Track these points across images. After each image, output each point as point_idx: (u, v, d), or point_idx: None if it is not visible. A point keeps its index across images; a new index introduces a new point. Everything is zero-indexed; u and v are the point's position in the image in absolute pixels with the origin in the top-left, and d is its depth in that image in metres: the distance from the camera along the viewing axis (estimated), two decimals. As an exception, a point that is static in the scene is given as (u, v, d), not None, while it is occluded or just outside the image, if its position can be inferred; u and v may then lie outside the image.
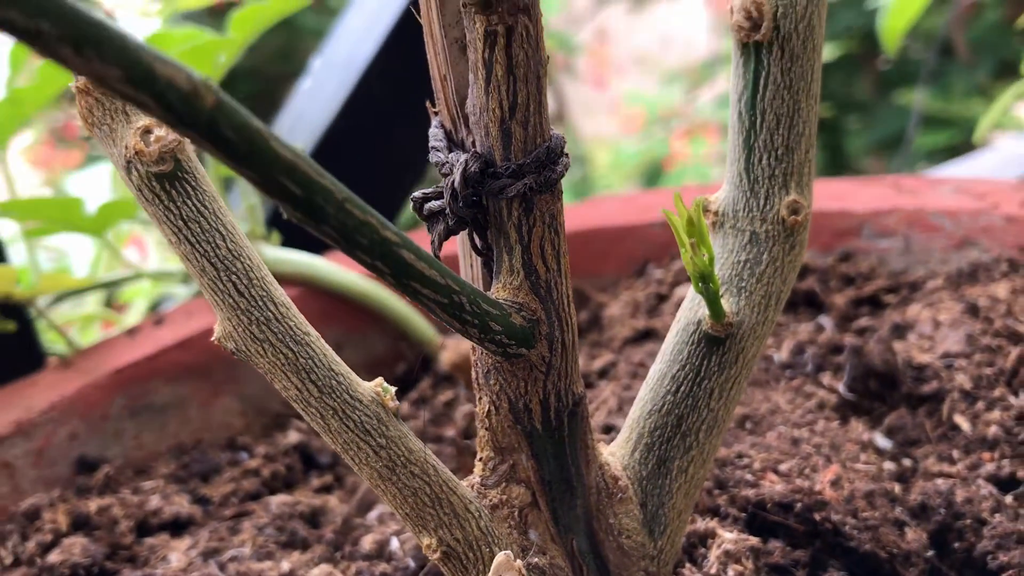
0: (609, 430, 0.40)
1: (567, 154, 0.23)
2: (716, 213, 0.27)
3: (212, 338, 0.25)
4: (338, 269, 0.52)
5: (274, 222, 0.55)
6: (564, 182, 0.24)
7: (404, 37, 0.56)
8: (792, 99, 0.26)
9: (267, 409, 0.50)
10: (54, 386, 0.45)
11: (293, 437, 0.48)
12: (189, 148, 0.24)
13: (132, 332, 0.49)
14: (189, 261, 0.24)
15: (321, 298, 0.52)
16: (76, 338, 0.61)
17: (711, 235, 0.27)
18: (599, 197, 0.54)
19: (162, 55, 0.14)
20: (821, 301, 0.50)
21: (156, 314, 0.50)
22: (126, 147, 0.23)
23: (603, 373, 0.47)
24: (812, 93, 0.26)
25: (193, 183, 0.24)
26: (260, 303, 0.24)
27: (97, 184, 0.85)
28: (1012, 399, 0.41)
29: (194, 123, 0.15)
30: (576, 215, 0.55)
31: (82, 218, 0.49)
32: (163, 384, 0.47)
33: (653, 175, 4.65)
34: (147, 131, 0.23)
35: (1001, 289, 0.47)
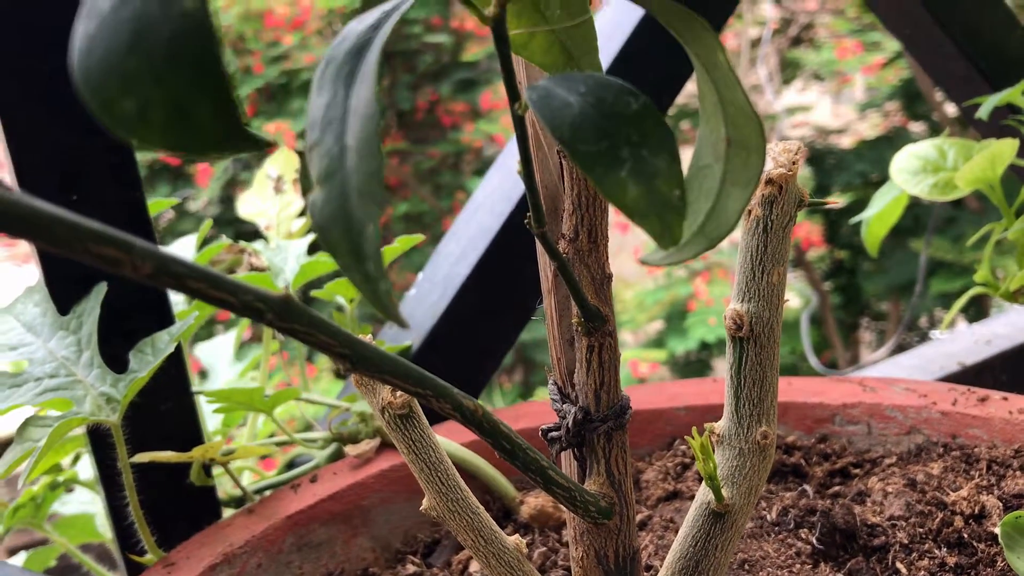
0: (649, 568, 0.57)
1: (631, 408, 0.41)
2: (718, 435, 0.44)
3: (421, 508, 0.42)
4: (441, 439, 0.69)
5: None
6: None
7: (491, 265, 0.75)
8: (761, 370, 0.43)
9: (391, 547, 0.67)
10: (245, 527, 0.62)
11: (410, 568, 0.65)
12: (415, 401, 0.42)
13: (295, 487, 0.66)
14: (414, 463, 0.42)
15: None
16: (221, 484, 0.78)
17: (715, 448, 0.45)
18: (637, 387, 0.72)
19: (462, 394, 0.32)
20: (805, 472, 0.67)
21: (312, 474, 0.67)
22: (382, 398, 0.41)
23: (642, 525, 0.64)
24: (774, 366, 0.44)
25: (417, 419, 0.42)
26: (452, 489, 0.42)
27: (222, 350, 1.04)
28: (936, 551, 0.57)
29: (473, 422, 0.33)
30: (620, 400, 0.72)
31: (261, 401, 0.67)
32: (319, 527, 0.64)
33: (677, 315, 4.80)
34: (394, 389, 0.41)
35: (935, 467, 0.63)
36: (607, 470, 0.41)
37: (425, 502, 0.42)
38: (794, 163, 0.44)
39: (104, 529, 0.85)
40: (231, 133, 0.16)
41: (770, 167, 0.43)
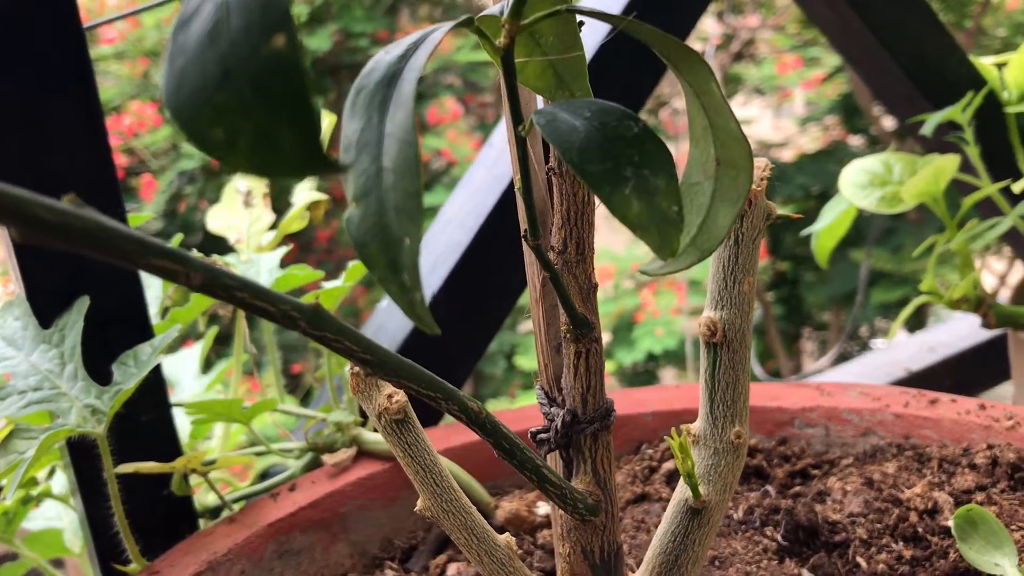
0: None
1: (615, 411, 0.44)
2: (695, 435, 0.47)
3: (416, 509, 0.44)
4: (417, 448, 0.71)
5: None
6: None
7: (461, 278, 0.78)
8: (734, 373, 0.46)
9: (368, 552, 0.68)
10: (228, 535, 0.63)
11: (388, 573, 0.66)
12: (410, 407, 0.44)
13: (275, 495, 0.67)
14: (409, 466, 0.43)
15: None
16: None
17: (692, 448, 0.47)
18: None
19: (467, 397, 0.34)
20: (767, 473, 0.70)
21: (291, 483, 0.68)
22: (378, 404, 0.43)
23: (614, 526, 0.66)
24: (745, 369, 0.47)
25: (412, 424, 0.44)
26: (446, 491, 0.44)
27: (188, 364, 1.04)
28: (893, 545, 0.60)
29: (476, 423, 0.35)
30: (589, 407, 0.75)
31: (239, 412, 0.68)
32: (299, 534, 0.65)
33: (624, 327, 4.85)
34: (391, 395, 0.43)
35: (890, 467, 0.67)
36: (593, 469, 0.43)
37: (420, 503, 0.44)
38: (762, 179, 0.46)
39: (71, 544, 0.85)
40: (311, 159, 0.18)
41: (741, 183, 0.46)
